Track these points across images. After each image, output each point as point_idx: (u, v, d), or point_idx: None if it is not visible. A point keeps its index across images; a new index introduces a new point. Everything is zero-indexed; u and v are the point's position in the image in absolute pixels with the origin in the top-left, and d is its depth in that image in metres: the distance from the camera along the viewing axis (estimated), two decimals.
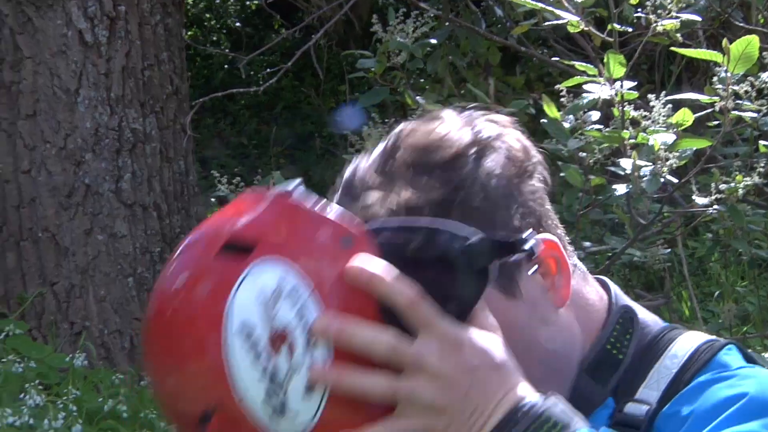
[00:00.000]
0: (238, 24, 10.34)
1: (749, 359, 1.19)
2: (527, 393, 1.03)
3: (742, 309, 4.88)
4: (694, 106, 2.92)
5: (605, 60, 2.69)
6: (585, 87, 2.82)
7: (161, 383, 1.06)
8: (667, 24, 2.74)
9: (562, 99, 3.04)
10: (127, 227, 5.04)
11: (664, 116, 2.80)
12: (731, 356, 1.17)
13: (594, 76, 2.79)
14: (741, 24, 4.17)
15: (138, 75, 5.14)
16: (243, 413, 0.98)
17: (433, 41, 3.56)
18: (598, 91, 2.77)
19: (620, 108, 2.77)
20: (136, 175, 5.09)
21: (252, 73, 9.18)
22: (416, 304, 0.99)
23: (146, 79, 5.18)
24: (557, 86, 3.00)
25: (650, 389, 1.16)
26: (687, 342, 1.20)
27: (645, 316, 1.25)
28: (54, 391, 4.43)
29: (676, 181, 2.95)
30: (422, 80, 5.07)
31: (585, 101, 2.85)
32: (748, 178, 2.99)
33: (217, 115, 9.68)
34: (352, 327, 0.98)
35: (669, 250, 3.53)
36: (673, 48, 2.95)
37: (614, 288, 1.25)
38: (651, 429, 1.13)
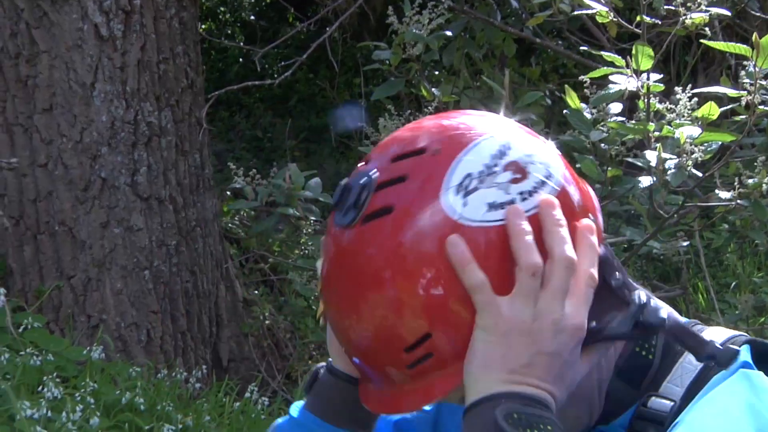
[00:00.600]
0: (252, 17, 10.34)
1: (763, 355, 1.19)
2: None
3: (759, 300, 4.85)
4: (715, 98, 2.90)
5: (633, 52, 2.68)
6: (611, 78, 2.81)
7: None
8: (697, 18, 2.72)
9: (585, 90, 3.02)
10: (143, 220, 5.05)
11: (689, 110, 2.79)
12: (745, 355, 1.17)
13: (621, 67, 2.77)
14: (758, 14, 4.14)
15: (153, 68, 5.15)
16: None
17: (449, 33, 3.55)
18: (624, 82, 2.76)
19: (646, 100, 2.75)
20: (151, 169, 5.10)
21: (267, 66, 9.19)
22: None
23: (161, 73, 5.19)
24: (581, 77, 2.98)
25: (674, 384, 1.18)
26: (711, 337, 1.20)
27: (665, 309, 1.24)
28: (72, 383, 4.44)
29: (700, 174, 2.93)
30: (437, 72, 5.05)
31: (611, 92, 2.83)
32: None
33: (232, 108, 9.68)
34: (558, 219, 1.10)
35: (688, 243, 3.51)
36: (703, 41, 2.92)
37: (632, 288, 1.25)
38: (675, 426, 1.13)
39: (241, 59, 9.69)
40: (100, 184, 4.96)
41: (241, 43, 9.34)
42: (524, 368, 1.07)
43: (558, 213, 1.12)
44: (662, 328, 1.15)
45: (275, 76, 5.04)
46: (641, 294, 1.17)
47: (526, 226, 1.10)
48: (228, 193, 7.61)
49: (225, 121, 9.45)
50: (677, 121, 2.83)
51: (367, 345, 1.14)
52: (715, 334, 1.22)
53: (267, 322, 5.85)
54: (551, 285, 1.09)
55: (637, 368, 1.20)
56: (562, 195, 1.15)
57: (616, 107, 2.97)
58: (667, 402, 1.17)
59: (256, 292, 6.38)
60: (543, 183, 1.13)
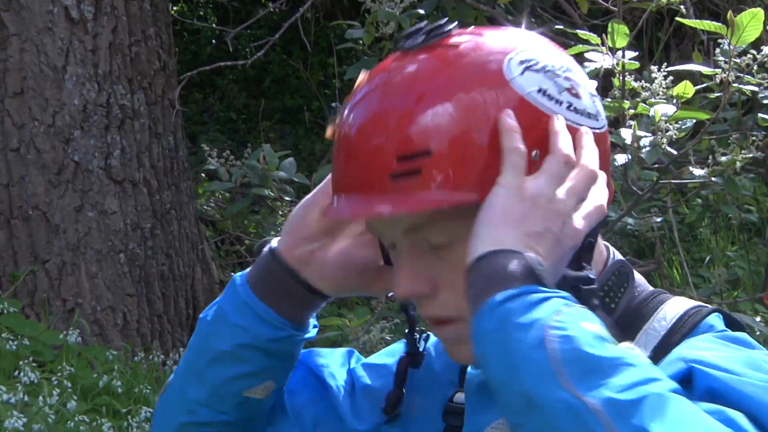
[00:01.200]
0: None
1: (734, 326, 1.22)
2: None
3: (732, 273, 4.90)
4: (689, 75, 2.91)
5: (608, 29, 2.68)
6: (587, 56, 2.81)
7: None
8: None
9: None
10: (118, 204, 5.03)
11: (664, 88, 2.80)
12: (717, 322, 1.20)
13: (596, 45, 2.78)
14: None
15: (125, 51, 5.12)
16: None
17: (422, 11, 3.55)
18: (600, 60, 2.76)
19: (621, 78, 2.76)
20: (125, 152, 5.08)
21: (240, 47, 9.15)
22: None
23: (133, 55, 5.16)
24: None
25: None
26: (675, 306, 1.24)
27: (638, 277, 1.29)
28: (48, 368, 4.44)
29: (674, 152, 2.95)
30: None
31: (586, 70, 2.84)
32: (745, 151, 2.99)
33: (206, 90, 9.64)
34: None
35: (661, 218, 3.53)
36: (678, 19, 2.94)
37: (612, 248, 1.30)
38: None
39: (213, 41, 9.65)
40: (73, 167, 4.94)
41: (214, 25, 9.30)
42: (538, 236, 1.10)
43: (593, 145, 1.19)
44: (624, 265, 1.25)
45: (248, 57, 5.02)
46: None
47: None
48: (203, 175, 7.59)
49: (199, 104, 9.42)
50: (652, 100, 2.84)
51: (371, 140, 1.17)
52: (679, 304, 1.24)
53: None
54: (574, 185, 1.14)
55: (597, 311, 1.17)
56: (600, 138, 1.21)
57: (593, 85, 2.97)
58: None
59: (233, 273, 6.37)
60: (590, 116, 1.20)
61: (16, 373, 4.15)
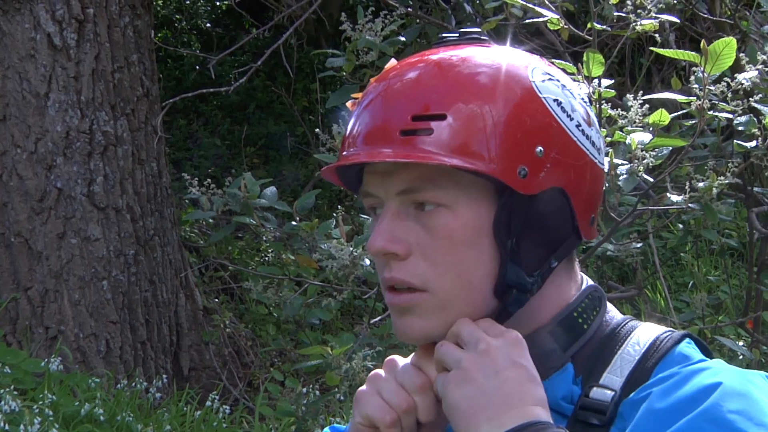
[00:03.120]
0: (208, 25, 10.31)
1: (705, 351, 1.26)
2: (543, 414, 1.13)
3: (715, 298, 4.91)
4: (667, 103, 2.94)
5: (584, 58, 2.70)
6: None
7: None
8: (647, 24, 2.77)
9: None
10: (101, 230, 5.02)
11: (640, 116, 2.82)
12: (690, 349, 1.24)
13: (572, 73, 2.80)
14: (706, 15, 4.19)
15: (108, 77, 5.12)
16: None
17: (403, 39, 3.57)
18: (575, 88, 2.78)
19: (597, 106, 2.79)
20: (108, 178, 5.08)
21: (223, 73, 9.17)
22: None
23: (116, 82, 5.16)
24: None
25: (614, 375, 1.23)
26: (647, 332, 1.28)
27: (609, 306, 1.34)
28: (30, 396, 4.41)
29: (651, 179, 2.97)
30: None
31: None
32: (722, 178, 3.01)
33: (190, 116, 9.65)
34: None
35: (641, 244, 3.55)
36: (653, 48, 2.98)
37: (584, 275, 1.34)
38: (616, 415, 1.19)
39: (197, 67, 9.66)
40: (56, 194, 4.93)
41: (198, 51, 9.31)
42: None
43: None
44: (597, 291, 1.30)
45: (232, 83, 5.02)
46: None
47: None
48: (186, 201, 7.58)
49: (182, 130, 9.42)
50: (629, 128, 2.86)
51: (390, 96, 1.23)
52: (651, 330, 1.28)
53: (228, 330, 5.84)
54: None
55: (569, 329, 1.26)
56: (598, 172, 1.27)
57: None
58: (608, 392, 1.21)
59: (216, 300, 6.36)
60: (594, 145, 1.27)
61: None
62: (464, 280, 1.21)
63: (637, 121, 2.81)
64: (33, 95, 4.92)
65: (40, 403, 4.22)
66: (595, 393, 1.21)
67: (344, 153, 1.26)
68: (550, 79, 1.24)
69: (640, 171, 2.74)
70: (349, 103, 1.33)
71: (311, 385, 5.12)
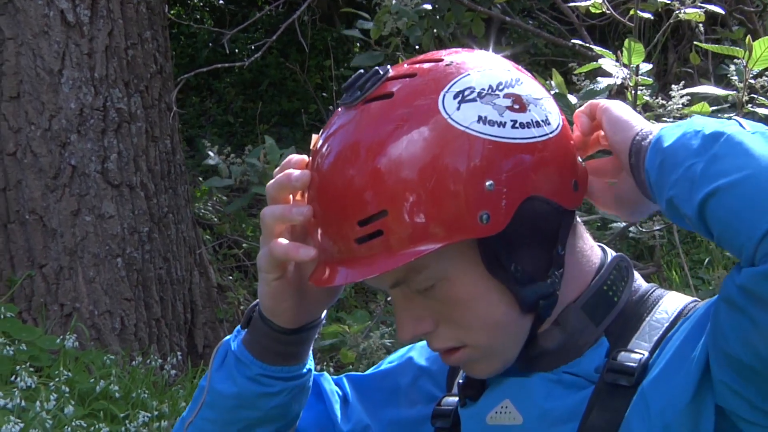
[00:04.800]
0: (221, 1, 10.28)
1: None
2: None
3: None
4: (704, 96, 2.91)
5: (625, 46, 2.68)
6: (605, 68, 2.81)
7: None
8: (691, 13, 2.74)
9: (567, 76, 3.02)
10: (115, 207, 5.01)
11: (679, 106, 2.79)
12: None
13: (613, 60, 2.77)
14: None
15: (121, 54, 5.10)
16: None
17: (428, 6, 3.51)
18: (616, 73, 2.76)
19: (633, 93, 2.76)
20: (122, 155, 5.07)
21: (236, 50, 9.14)
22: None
23: (130, 59, 5.14)
24: (574, 72, 2.98)
25: (642, 340, 1.23)
26: (674, 300, 1.28)
27: (636, 273, 1.34)
28: (45, 373, 4.42)
29: None
30: (404, 53, 5.01)
31: (601, 86, 2.83)
32: None
33: (203, 93, 9.63)
34: None
35: (663, 226, 3.52)
36: (697, 43, 2.96)
37: (607, 248, 1.34)
38: (645, 375, 1.19)
39: (210, 44, 9.63)
40: (70, 171, 4.92)
41: (210, 28, 9.29)
42: None
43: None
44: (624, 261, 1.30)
45: (245, 60, 5.00)
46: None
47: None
48: (200, 178, 7.57)
49: (196, 107, 9.40)
50: (665, 119, 2.83)
51: (332, 211, 1.21)
52: (678, 298, 1.29)
53: (242, 307, 5.83)
54: None
55: (601, 304, 1.26)
56: (555, 142, 1.22)
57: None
58: (636, 355, 1.21)
59: (231, 277, 6.36)
60: (538, 124, 1.20)
61: (13, 378, 4.13)
62: (492, 325, 1.22)
63: (675, 112, 2.78)
64: (47, 72, 4.91)
65: (56, 380, 4.22)
66: (623, 357, 1.22)
67: (315, 272, 1.26)
68: (463, 98, 1.18)
69: None
70: (297, 197, 1.32)
71: (325, 363, 5.11)
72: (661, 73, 6.51)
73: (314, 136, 1.30)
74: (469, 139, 1.16)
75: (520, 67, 1.27)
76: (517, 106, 1.19)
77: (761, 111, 2.80)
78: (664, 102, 2.84)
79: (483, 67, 1.22)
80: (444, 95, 1.18)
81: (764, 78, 2.81)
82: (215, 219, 7.17)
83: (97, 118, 4.99)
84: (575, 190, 1.24)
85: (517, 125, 1.18)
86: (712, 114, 2.97)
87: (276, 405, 1.35)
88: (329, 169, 1.21)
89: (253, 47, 8.64)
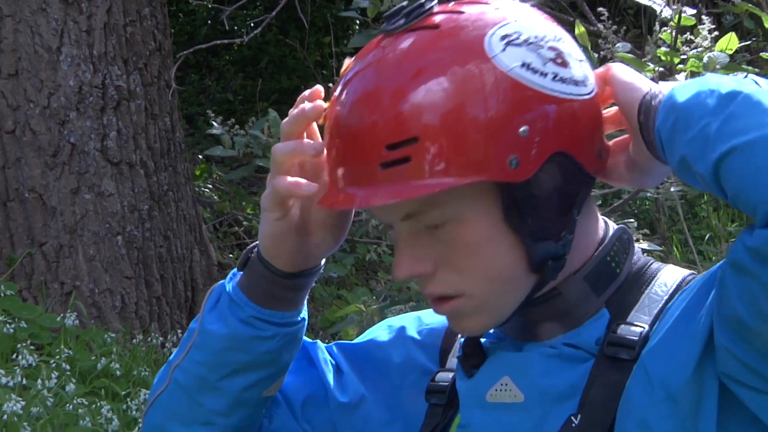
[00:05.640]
0: None
1: None
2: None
3: None
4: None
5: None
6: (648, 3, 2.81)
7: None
8: None
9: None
10: (115, 185, 5.00)
11: (709, 42, 2.77)
12: None
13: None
14: None
15: (120, 31, 5.08)
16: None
17: None
18: (661, 5, 2.75)
19: (674, 33, 2.73)
20: (121, 133, 5.05)
21: (236, 27, 9.10)
22: None
23: (129, 36, 5.12)
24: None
25: (642, 313, 1.23)
26: (672, 273, 1.27)
27: (636, 246, 1.33)
28: (46, 351, 4.42)
29: None
30: None
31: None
32: None
33: (202, 71, 9.60)
34: None
35: (680, 188, 3.51)
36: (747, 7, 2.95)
37: (608, 220, 1.32)
38: (645, 346, 1.19)
39: (209, 21, 9.59)
40: (69, 149, 4.91)
41: (209, 5, 9.24)
42: None
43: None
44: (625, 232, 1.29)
45: (244, 37, 4.98)
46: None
47: None
48: (200, 156, 7.56)
49: (195, 85, 9.37)
50: (694, 53, 2.81)
51: (359, 132, 1.18)
52: (676, 271, 1.28)
53: None
54: None
55: (603, 275, 1.25)
56: (589, 105, 1.21)
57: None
58: (636, 328, 1.20)
59: (231, 255, 6.35)
60: (576, 83, 1.20)
61: (14, 356, 4.13)
62: (494, 276, 1.20)
63: (705, 46, 2.76)
64: (45, 49, 4.88)
65: (57, 357, 4.22)
66: (623, 330, 1.21)
67: (330, 188, 1.23)
68: (509, 41, 1.17)
69: None
70: (320, 120, 1.28)
71: (327, 340, 5.11)
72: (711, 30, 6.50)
73: (347, 60, 1.27)
74: (510, 81, 1.15)
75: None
76: (559, 61, 1.18)
77: None
78: (692, 38, 2.82)
79: (529, 17, 1.21)
80: (491, 35, 1.17)
81: None
82: (215, 197, 7.16)
83: (96, 96, 4.97)
84: (599, 158, 1.23)
85: (557, 79, 1.17)
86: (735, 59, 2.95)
87: (267, 350, 1.33)
88: (362, 92, 1.20)
89: (252, 24, 8.60)
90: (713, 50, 2.74)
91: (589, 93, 1.22)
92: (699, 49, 2.75)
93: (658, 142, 1.14)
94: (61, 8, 4.90)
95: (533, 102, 1.16)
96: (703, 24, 2.82)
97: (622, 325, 1.21)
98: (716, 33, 2.80)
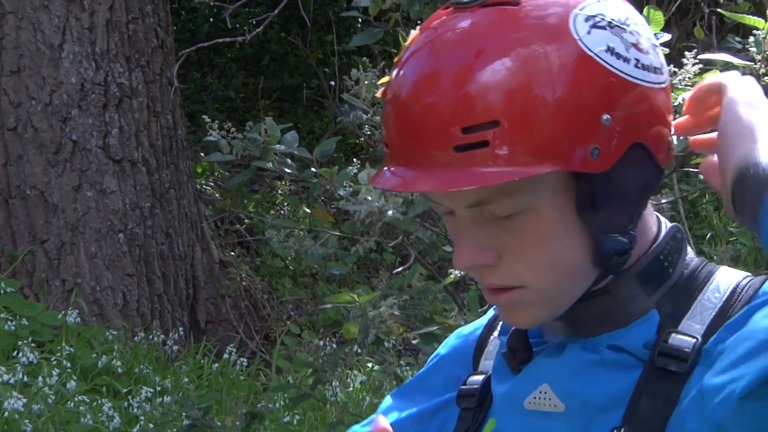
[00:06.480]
0: None
1: None
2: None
3: (736, 249, 4.87)
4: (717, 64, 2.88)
5: (644, 14, 2.65)
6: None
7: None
8: None
9: None
10: (116, 183, 5.00)
11: (691, 75, 2.76)
12: None
13: None
14: None
15: (122, 29, 5.08)
16: None
17: None
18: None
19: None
20: (123, 131, 5.05)
21: (238, 25, 9.10)
22: None
23: (131, 33, 5.12)
24: None
25: (694, 322, 1.16)
26: (727, 276, 1.19)
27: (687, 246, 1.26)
28: (47, 348, 4.42)
29: None
30: (404, 28, 4.99)
31: None
32: None
33: (204, 69, 9.59)
34: None
35: (671, 199, 3.51)
36: (720, 11, 2.92)
37: (662, 217, 1.25)
38: (698, 362, 1.12)
39: (211, 19, 9.59)
40: (71, 146, 4.91)
41: (211, 2, 9.24)
42: None
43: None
44: (678, 231, 1.21)
45: (246, 35, 4.97)
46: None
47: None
48: (201, 154, 7.55)
49: (197, 82, 9.37)
50: (679, 87, 2.80)
51: (434, 111, 1.09)
52: (730, 275, 1.20)
53: (244, 283, 5.83)
54: None
55: (655, 274, 1.19)
56: (664, 95, 1.16)
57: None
58: (689, 339, 1.14)
59: (233, 253, 6.35)
60: (656, 71, 1.14)
61: (16, 353, 4.14)
62: (561, 269, 1.14)
63: (688, 80, 2.75)
64: (47, 46, 4.88)
65: (58, 355, 4.22)
66: (675, 339, 1.14)
67: (388, 168, 1.15)
68: (594, 23, 1.11)
69: None
70: (378, 93, 1.19)
71: (328, 338, 5.11)
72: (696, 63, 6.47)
73: (413, 32, 1.18)
74: (596, 66, 1.09)
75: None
76: (640, 46, 1.13)
77: None
78: (675, 70, 2.81)
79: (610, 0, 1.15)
80: (576, 16, 1.10)
81: None
82: (217, 195, 7.16)
83: (98, 93, 4.97)
84: (669, 150, 1.17)
85: (639, 65, 1.12)
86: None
87: None
88: (432, 70, 1.11)
89: (254, 22, 8.61)
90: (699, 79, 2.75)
91: (665, 82, 1.16)
92: (682, 80, 2.75)
93: (759, 226, 1.06)
94: (63, 5, 4.90)
95: (617, 89, 1.10)
96: (686, 59, 2.82)
97: (674, 334, 1.15)
98: (699, 66, 2.80)
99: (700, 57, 2.71)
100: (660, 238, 1.20)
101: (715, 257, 4.62)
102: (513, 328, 1.28)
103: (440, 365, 1.40)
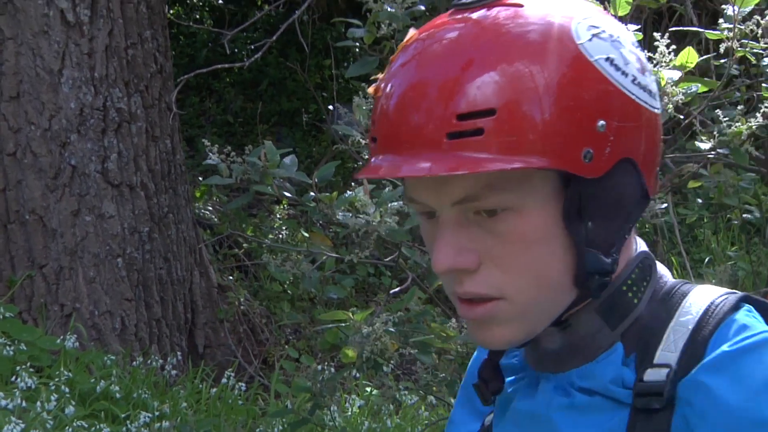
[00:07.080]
0: (220, 1, 10.27)
1: (765, 314, 1.16)
2: None
3: (732, 274, 4.88)
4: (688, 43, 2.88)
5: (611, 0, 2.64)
6: None
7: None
8: None
9: None
10: (115, 207, 5.01)
11: (666, 57, 2.75)
12: (750, 318, 1.14)
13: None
14: None
15: (121, 54, 5.10)
16: None
17: (423, 8, 3.50)
18: None
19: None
20: (122, 155, 5.06)
21: (236, 50, 9.13)
22: None
23: (130, 58, 5.14)
24: None
25: (668, 351, 1.13)
26: (700, 296, 1.17)
27: (660, 268, 1.23)
28: (46, 373, 4.41)
29: (681, 117, 2.89)
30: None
31: None
32: (752, 120, 2.93)
33: (202, 93, 9.62)
34: None
35: (665, 205, 3.51)
36: (681, 29, 2.91)
37: (638, 239, 1.23)
38: (675, 395, 1.10)
39: (210, 44, 9.63)
40: (70, 171, 4.92)
41: (210, 28, 9.28)
42: None
43: None
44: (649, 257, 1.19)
45: (245, 60, 4.99)
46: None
47: None
48: (200, 178, 7.56)
49: (195, 107, 9.39)
50: (655, 69, 2.79)
51: (421, 99, 1.09)
52: (705, 293, 1.18)
53: (242, 307, 5.83)
54: None
55: (618, 306, 1.17)
56: (656, 121, 1.16)
57: (648, 64, 2.95)
58: (663, 369, 1.12)
59: (231, 277, 6.35)
60: (651, 93, 1.15)
61: (14, 378, 4.13)
62: (543, 281, 1.12)
63: (663, 63, 2.74)
64: (46, 72, 4.90)
65: (57, 380, 4.21)
66: (650, 375, 1.12)
67: (376, 159, 1.13)
68: (596, 33, 1.11)
69: (669, 108, 2.67)
70: (370, 89, 1.18)
71: (326, 363, 5.11)
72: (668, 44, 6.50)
73: (411, 30, 1.18)
74: (595, 72, 1.09)
75: None
76: (638, 66, 1.14)
77: (751, 55, 2.76)
78: (650, 55, 2.81)
79: (608, 18, 1.16)
80: (578, 23, 1.11)
81: (753, 21, 2.77)
82: (215, 219, 7.17)
83: (97, 118, 4.98)
84: (656, 179, 1.18)
85: (636, 83, 1.12)
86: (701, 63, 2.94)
87: None
88: (437, 54, 1.10)
89: (252, 47, 8.64)
90: (674, 62, 2.73)
91: (658, 108, 1.16)
92: (658, 62, 2.74)
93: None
94: (62, 31, 4.92)
95: (614, 99, 1.10)
96: (658, 41, 2.81)
97: (648, 369, 1.13)
98: (674, 47, 2.79)
99: (671, 29, 2.68)
100: (625, 267, 1.18)
101: (713, 280, 4.63)
102: (485, 357, 1.28)
103: (464, 402, 1.40)
